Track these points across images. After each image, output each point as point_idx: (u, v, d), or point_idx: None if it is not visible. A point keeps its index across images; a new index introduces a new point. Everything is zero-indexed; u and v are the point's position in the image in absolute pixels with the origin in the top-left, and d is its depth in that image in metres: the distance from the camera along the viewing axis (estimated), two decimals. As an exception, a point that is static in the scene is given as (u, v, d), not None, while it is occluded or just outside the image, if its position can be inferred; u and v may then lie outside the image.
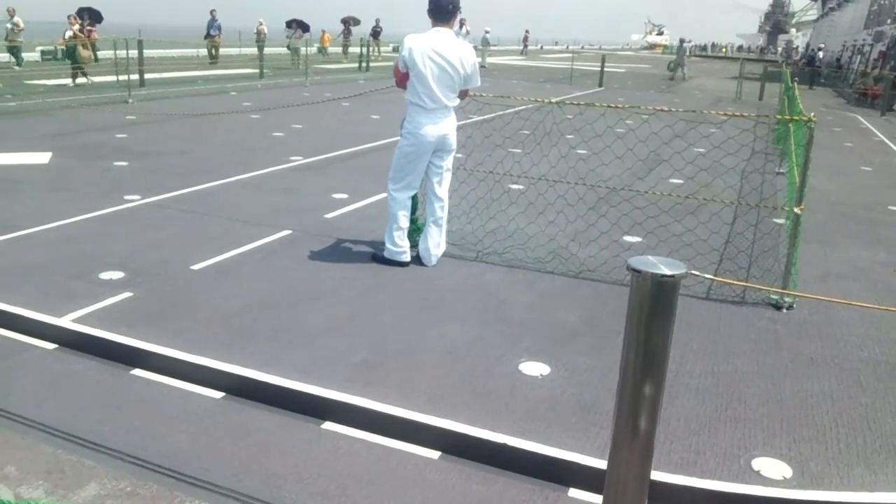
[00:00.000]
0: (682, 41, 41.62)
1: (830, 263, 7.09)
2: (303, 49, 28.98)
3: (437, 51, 5.89)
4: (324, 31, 37.58)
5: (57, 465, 3.44)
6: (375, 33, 38.43)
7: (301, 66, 26.89)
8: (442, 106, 6.02)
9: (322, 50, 39.26)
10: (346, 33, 39.83)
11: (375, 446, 3.77)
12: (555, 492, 3.49)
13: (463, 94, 6.25)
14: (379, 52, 38.60)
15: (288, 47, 32.19)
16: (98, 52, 26.79)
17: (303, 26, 33.13)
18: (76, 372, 4.40)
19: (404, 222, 6.32)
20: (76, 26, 19.51)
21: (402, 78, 6.10)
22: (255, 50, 31.35)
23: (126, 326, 4.81)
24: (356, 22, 41.03)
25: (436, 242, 6.38)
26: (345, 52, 39.34)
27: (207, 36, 28.87)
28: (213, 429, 3.85)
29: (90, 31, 25.73)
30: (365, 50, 33.50)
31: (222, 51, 34.17)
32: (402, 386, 4.26)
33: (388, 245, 6.35)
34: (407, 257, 6.35)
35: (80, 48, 18.84)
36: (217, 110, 15.92)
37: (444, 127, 6.09)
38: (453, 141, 6.24)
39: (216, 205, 8.09)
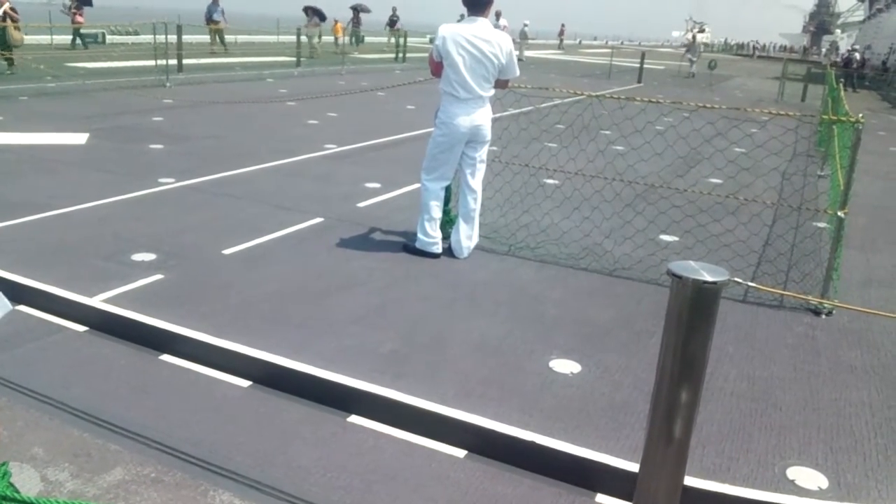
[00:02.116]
0: (694, 37, 40.53)
1: (873, 270, 6.91)
2: (315, 38, 28.33)
3: (470, 40, 5.80)
4: (336, 21, 35.92)
5: (83, 448, 3.44)
6: (392, 22, 37.35)
7: (314, 54, 26.53)
8: (475, 96, 5.93)
9: (358, 39, 38.21)
10: (356, 21, 37.66)
11: (400, 442, 3.72)
12: (582, 496, 3.42)
13: (503, 85, 6.16)
14: (394, 41, 37.77)
15: (306, 35, 31.53)
16: (97, 37, 26.54)
17: (319, 14, 32.16)
18: (105, 355, 4.40)
19: (437, 213, 6.26)
20: (6, 5, 18.90)
21: (437, 67, 6.03)
22: (292, 38, 30.99)
23: (156, 309, 4.81)
24: (365, 9, 38.37)
25: (468, 235, 6.31)
26: (354, 40, 37.31)
27: (210, 21, 27.82)
28: (240, 418, 3.83)
29: (75, 13, 25.42)
30: (402, 40, 33.28)
31: (260, 38, 34.12)
32: (430, 379, 4.20)
33: (419, 236, 6.29)
34: (438, 249, 6.29)
35: (10, 30, 18.29)
36: (253, 97, 15.98)
37: (477, 117, 6.01)
38: (487, 132, 6.15)
39: (250, 190, 8.09)
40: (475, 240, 6.42)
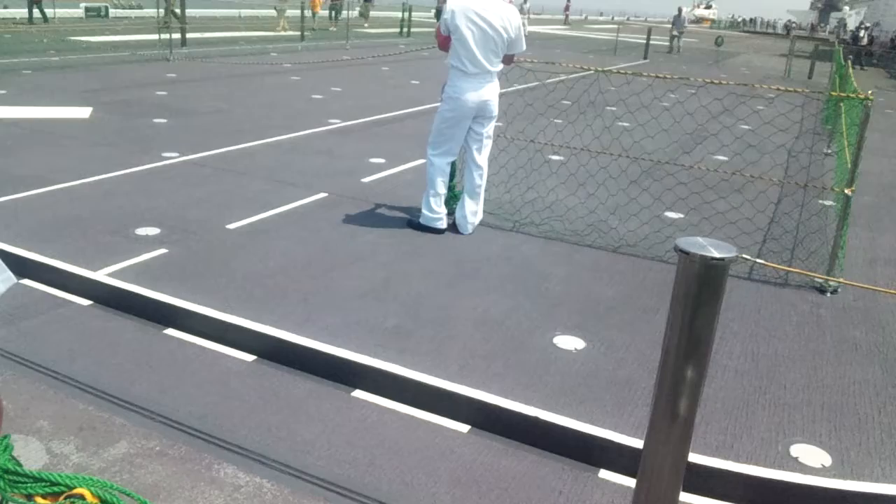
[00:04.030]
0: (679, 10, 36.23)
1: (878, 248, 6.88)
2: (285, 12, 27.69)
3: (479, 14, 5.75)
4: None
5: (88, 421, 3.45)
6: None
7: (285, 28, 26.04)
8: (484, 71, 5.89)
9: (338, 13, 35.02)
10: None
11: (404, 417, 3.73)
12: (585, 472, 3.43)
13: (508, 60, 6.11)
14: (367, 17, 36.32)
15: (275, 8, 30.62)
16: (100, 11, 26.06)
17: None
18: (110, 329, 4.41)
19: (442, 188, 6.23)
20: None
21: (443, 41, 5.98)
22: (297, 12, 30.34)
23: (160, 283, 4.81)
24: None
25: (473, 210, 6.29)
26: (332, 16, 35.11)
27: None
28: (244, 392, 3.84)
29: None
30: (406, 14, 32.96)
31: (265, 12, 33.46)
32: (434, 354, 4.20)
33: (424, 211, 6.27)
34: (443, 224, 6.28)
35: None
36: (257, 71, 15.91)
37: (485, 93, 5.96)
38: (494, 108, 6.11)
39: (254, 165, 8.07)
40: (480, 216, 6.40)
